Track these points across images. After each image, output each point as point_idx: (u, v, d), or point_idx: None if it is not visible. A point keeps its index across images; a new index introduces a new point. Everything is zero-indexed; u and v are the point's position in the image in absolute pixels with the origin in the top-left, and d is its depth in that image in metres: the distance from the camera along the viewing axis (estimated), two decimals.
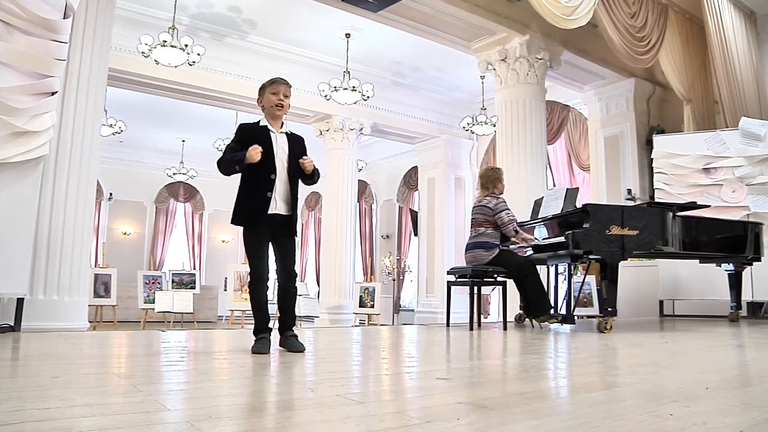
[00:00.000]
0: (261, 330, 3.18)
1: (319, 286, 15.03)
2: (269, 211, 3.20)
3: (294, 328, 3.30)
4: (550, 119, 9.77)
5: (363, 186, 15.03)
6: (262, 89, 3.36)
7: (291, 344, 3.16)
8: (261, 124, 3.33)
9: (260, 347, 3.05)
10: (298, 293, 10.94)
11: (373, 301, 10.64)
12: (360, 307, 10.75)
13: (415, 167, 13.46)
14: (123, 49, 8.35)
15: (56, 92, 3.99)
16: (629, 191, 9.28)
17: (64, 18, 3.92)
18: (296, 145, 3.36)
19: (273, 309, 3.43)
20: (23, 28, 3.65)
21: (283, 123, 3.37)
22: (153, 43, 7.51)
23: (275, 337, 3.24)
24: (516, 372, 2.52)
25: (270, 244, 3.26)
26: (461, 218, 12.61)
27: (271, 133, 3.29)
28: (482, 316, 6.09)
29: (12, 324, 3.89)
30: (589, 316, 8.14)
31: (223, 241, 17.45)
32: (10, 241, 3.80)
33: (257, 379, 2.22)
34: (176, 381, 2.13)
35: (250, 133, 3.29)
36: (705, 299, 7.24)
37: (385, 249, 14.96)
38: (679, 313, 7.68)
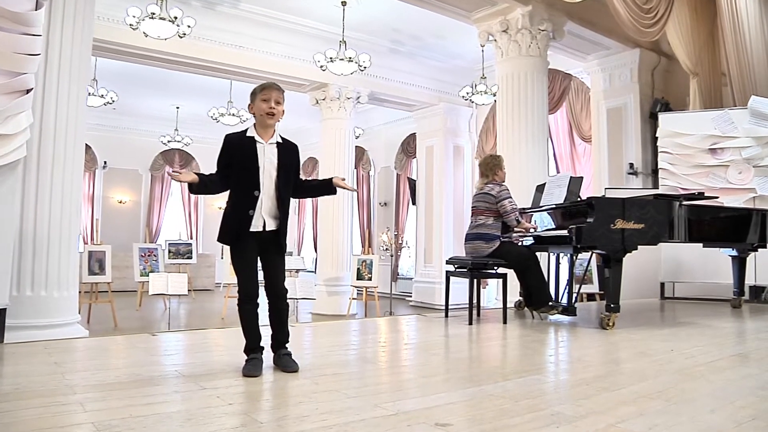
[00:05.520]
0: (253, 349, 3.07)
1: (316, 252, 14.95)
2: (252, 229, 3.02)
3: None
4: (551, 88, 9.50)
5: (360, 152, 14.79)
6: (253, 95, 3.10)
7: (284, 363, 3.06)
8: (248, 134, 3.08)
9: (251, 370, 2.95)
10: (296, 268, 10.63)
11: (371, 274, 10.56)
12: (357, 279, 10.68)
13: (414, 134, 13.21)
14: (111, 19, 8.04)
15: (31, 89, 3.75)
16: (631, 165, 9.11)
17: (36, 9, 3.66)
18: (288, 155, 3.13)
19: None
20: None
21: (274, 132, 3.11)
22: (141, 15, 7.18)
23: (268, 351, 3.13)
24: (519, 409, 2.41)
25: (258, 260, 3.11)
26: (460, 187, 12.44)
27: (258, 144, 3.05)
28: (481, 287, 6.00)
29: None
30: (588, 296, 8.09)
31: (220, 208, 17.26)
32: None
33: (246, 430, 2.10)
34: None
35: (234, 146, 3.06)
36: (707, 282, 7.13)
37: (383, 216, 14.81)
38: (680, 296, 7.58)
